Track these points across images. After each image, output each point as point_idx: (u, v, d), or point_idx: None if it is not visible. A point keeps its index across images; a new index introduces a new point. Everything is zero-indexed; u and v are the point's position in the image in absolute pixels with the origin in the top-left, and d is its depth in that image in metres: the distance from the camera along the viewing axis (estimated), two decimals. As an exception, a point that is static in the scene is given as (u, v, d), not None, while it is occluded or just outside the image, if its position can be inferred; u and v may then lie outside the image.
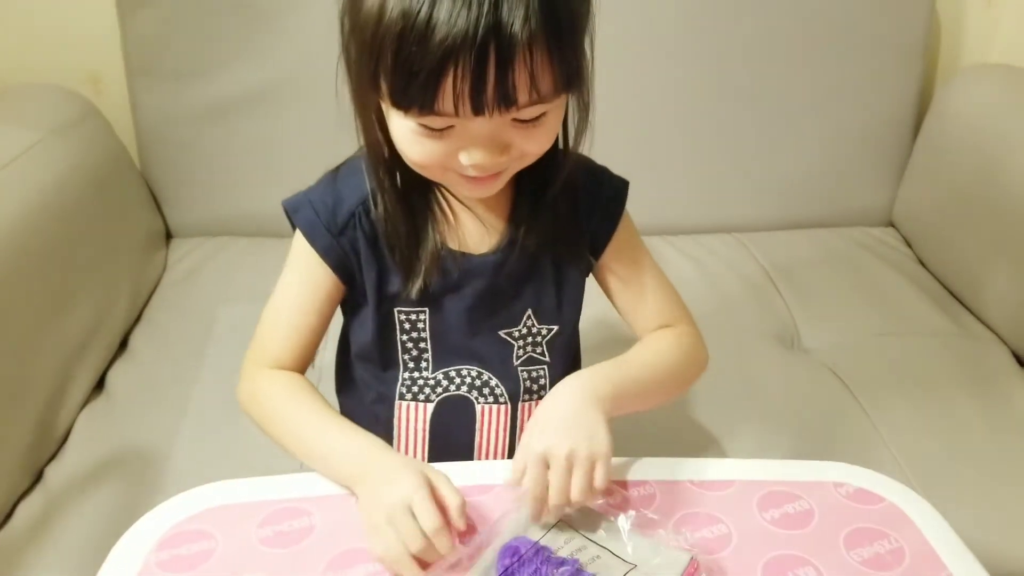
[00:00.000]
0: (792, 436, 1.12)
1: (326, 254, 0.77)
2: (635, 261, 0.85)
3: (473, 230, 0.79)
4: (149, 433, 1.09)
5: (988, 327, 1.38)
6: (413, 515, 0.63)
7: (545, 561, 0.62)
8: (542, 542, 0.65)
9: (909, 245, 1.61)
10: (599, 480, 0.66)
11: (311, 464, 0.74)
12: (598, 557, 0.65)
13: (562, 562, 0.63)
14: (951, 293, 1.47)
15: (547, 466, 0.66)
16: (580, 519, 0.68)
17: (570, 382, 0.73)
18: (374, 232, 0.77)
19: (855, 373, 1.23)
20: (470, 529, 0.67)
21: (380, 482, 0.66)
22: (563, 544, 0.66)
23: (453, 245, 0.78)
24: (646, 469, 0.75)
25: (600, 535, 0.67)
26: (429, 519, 0.63)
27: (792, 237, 1.60)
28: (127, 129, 1.52)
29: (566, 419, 0.69)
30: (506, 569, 0.61)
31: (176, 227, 1.58)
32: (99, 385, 1.21)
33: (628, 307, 0.86)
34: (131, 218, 1.46)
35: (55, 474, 1.04)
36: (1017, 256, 1.31)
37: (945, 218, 1.50)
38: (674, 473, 0.75)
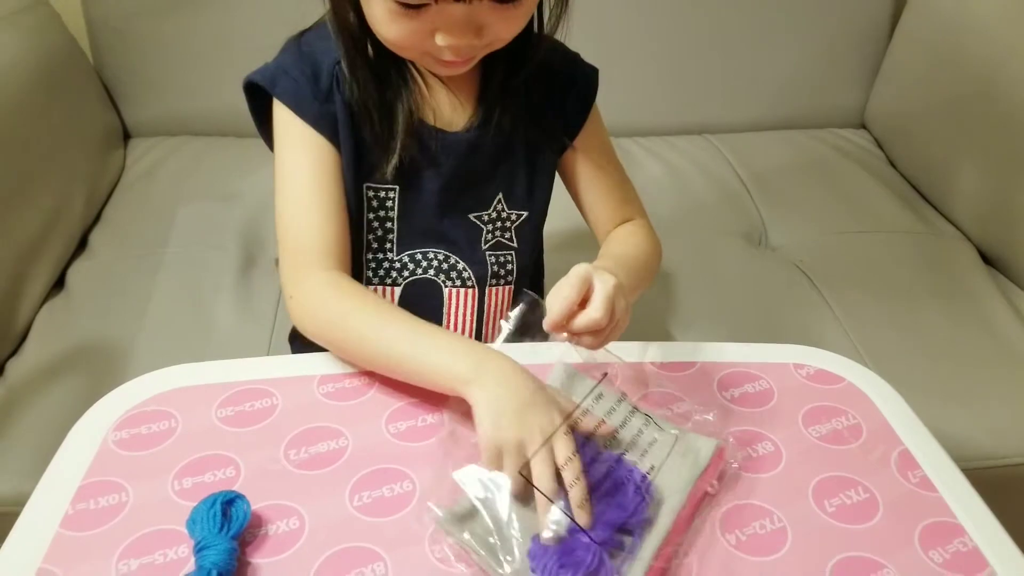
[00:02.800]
0: (756, 328, 1.13)
1: (318, 123, 0.73)
2: (603, 152, 0.85)
3: (446, 105, 0.77)
4: (110, 329, 1.07)
5: (955, 226, 1.38)
6: (548, 448, 0.57)
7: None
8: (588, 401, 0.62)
9: (880, 147, 1.61)
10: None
11: (406, 375, 0.66)
12: (640, 419, 0.62)
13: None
14: (920, 193, 1.48)
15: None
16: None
17: None
18: (351, 105, 0.73)
19: (821, 269, 1.24)
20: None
21: (518, 397, 0.59)
22: (610, 410, 0.62)
23: (428, 120, 0.76)
24: (606, 351, 0.75)
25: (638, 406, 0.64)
26: (570, 464, 0.56)
27: (764, 139, 1.59)
28: (77, 21, 1.45)
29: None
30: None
31: (133, 126, 1.52)
32: (59, 284, 1.19)
33: (593, 199, 0.85)
34: (85, 115, 1.40)
35: (15, 368, 1.03)
36: (986, 155, 1.31)
37: (916, 118, 1.49)
38: (634, 355, 0.75)
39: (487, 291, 0.82)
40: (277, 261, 0.76)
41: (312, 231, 0.72)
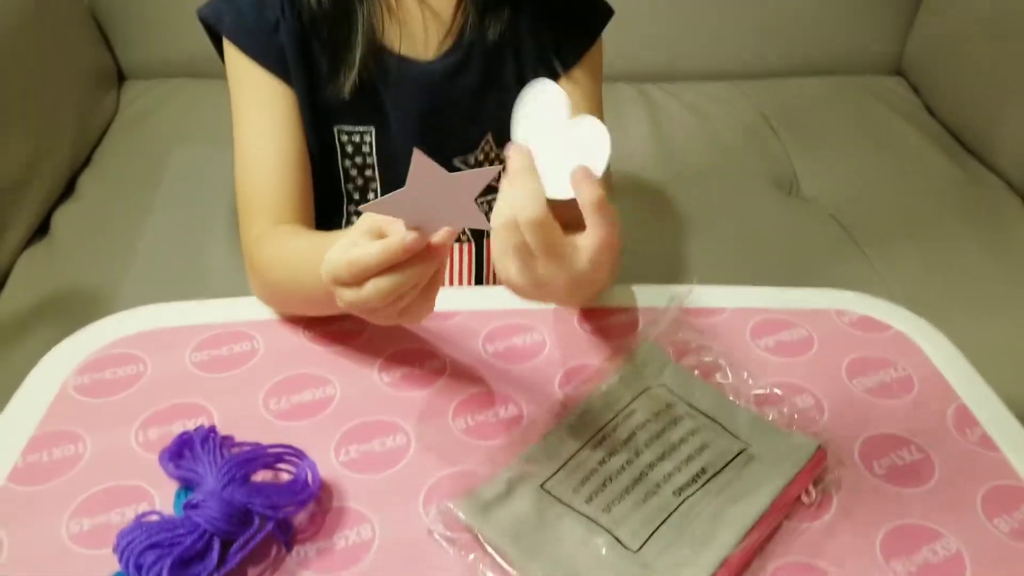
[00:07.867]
0: (788, 280, 1.03)
1: (265, 57, 0.65)
2: (592, 98, 0.74)
3: (418, 27, 0.68)
4: (95, 275, 1.01)
5: (998, 174, 1.29)
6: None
7: None
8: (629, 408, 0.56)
9: (917, 94, 1.51)
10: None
11: (322, 306, 0.59)
12: (696, 431, 0.55)
13: None
14: (960, 142, 1.38)
15: None
16: (682, 386, 0.58)
17: None
18: (302, 29, 0.65)
19: (856, 218, 1.16)
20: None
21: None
22: (654, 414, 0.56)
23: (393, 47, 0.67)
24: (629, 296, 0.68)
25: (707, 406, 0.57)
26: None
27: (795, 84, 1.49)
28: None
29: None
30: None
31: (129, 67, 1.45)
32: (43, 230, 1.12)
33: None
34: (76, 54, 1.32)
35: (-7, 315, 0.97)
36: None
37: (956, 64, 1.39)
38: (659, 300, 0.68)
39: (484, 243, 0.75)
40: None
41: (265, 193, 0.65)
